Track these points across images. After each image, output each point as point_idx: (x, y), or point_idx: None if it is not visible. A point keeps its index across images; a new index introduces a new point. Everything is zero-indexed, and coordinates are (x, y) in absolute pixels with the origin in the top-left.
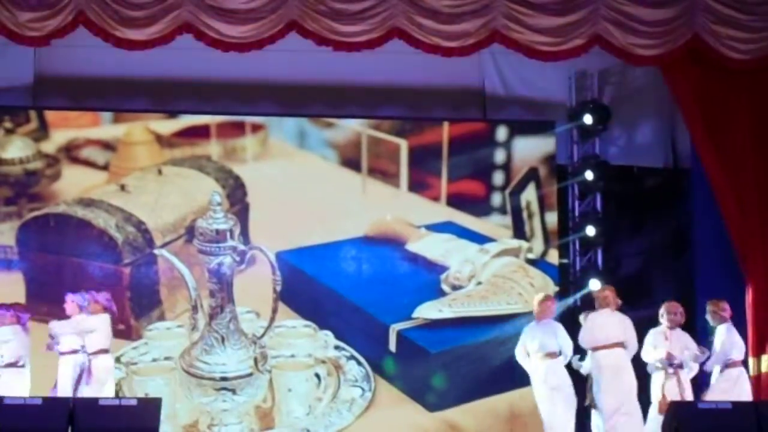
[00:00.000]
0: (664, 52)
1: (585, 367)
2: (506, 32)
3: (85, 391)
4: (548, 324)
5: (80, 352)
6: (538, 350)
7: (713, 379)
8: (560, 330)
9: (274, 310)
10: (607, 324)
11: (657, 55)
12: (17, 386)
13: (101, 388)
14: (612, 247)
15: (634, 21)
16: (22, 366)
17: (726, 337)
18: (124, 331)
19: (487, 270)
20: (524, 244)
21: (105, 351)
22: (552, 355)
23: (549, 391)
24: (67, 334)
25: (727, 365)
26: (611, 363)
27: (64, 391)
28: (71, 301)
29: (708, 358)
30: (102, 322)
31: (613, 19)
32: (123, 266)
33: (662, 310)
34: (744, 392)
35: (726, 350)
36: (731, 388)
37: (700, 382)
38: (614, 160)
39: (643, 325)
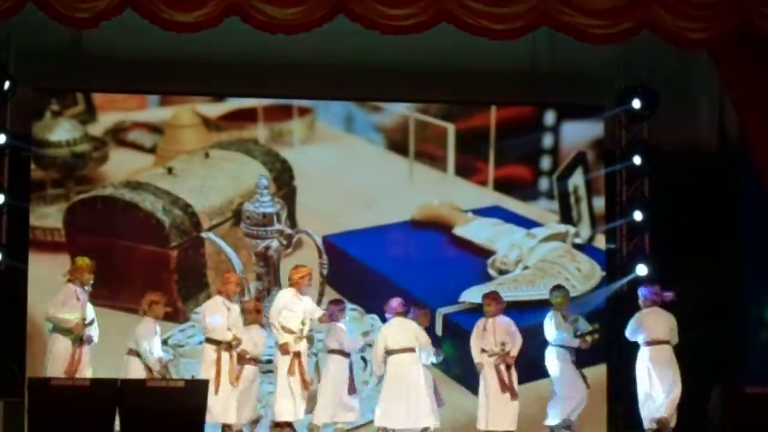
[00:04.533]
0: (713, 36)
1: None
2: (556, 15)
3: None
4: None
5: None
6: None
7: None
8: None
9: (321, 294)
10: None
11: (706, 38)
12: None
13: None
14: (659, 232)
15: (683, 4)
16: None
17: None
18: (171, 314)
19: (534, 255)
20: (571, 229)
21: None
22: None
23: None
24: None
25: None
26: None
27: None
28: None
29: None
30: None
31: (663, 2)
32: (170, 249)
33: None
34: None
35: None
36: None
37: None
38: (662, 144)
39: (688, 310)
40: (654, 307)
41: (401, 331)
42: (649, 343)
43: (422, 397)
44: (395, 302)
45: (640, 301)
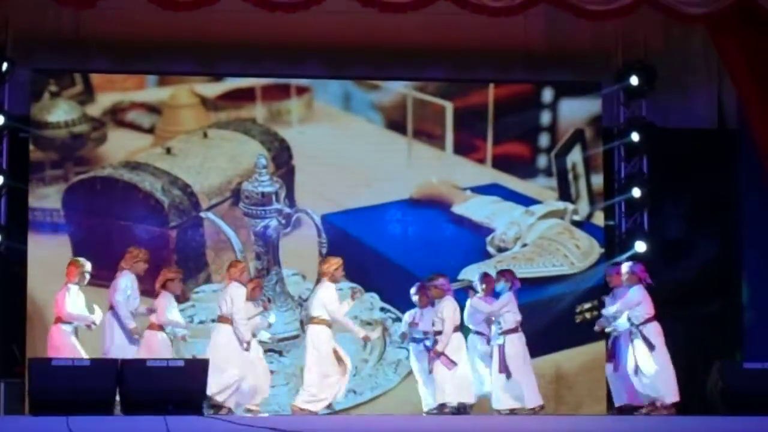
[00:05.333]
0: (712, 11)
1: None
2: None
3: None
4: None
5: None
6: None
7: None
8: None
9: (320, 273)
10: None
11: (705, 13)
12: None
13: None
14: (658, 208)
15: None
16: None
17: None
18: None
19: (532, 232)
20: (570, 206)
21: None
22: None
23: None
24: None
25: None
26: None
27: None
28: None
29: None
30: None
31: None
32: (169, 229)
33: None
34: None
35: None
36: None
37: None
38: (660, 121)
39: (687, 287)
40: (641, 284)
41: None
42: (649, 320)
43: None
44: (447, 280)
45: (627, 277)
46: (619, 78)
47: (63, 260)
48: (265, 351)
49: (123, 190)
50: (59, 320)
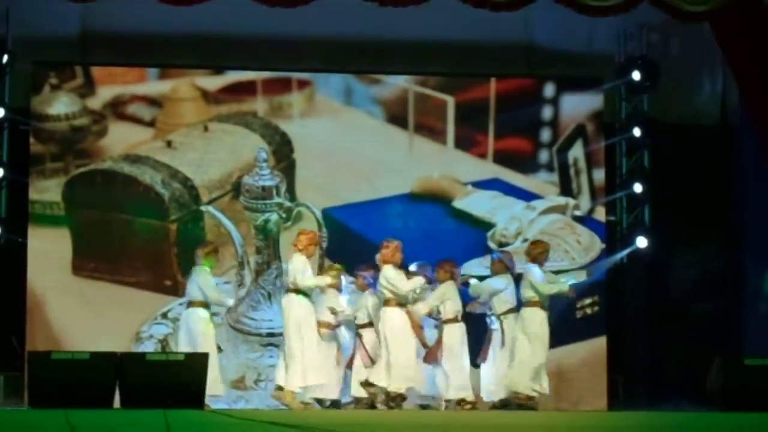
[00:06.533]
0: (713, 8)
1: None
2: None
3: None
4: None
5: None
6: None
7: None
8: None
9: (321, 267)
10: None
11: (706, 10)
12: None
13: None
14: (659, 204)
15: None
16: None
17: None
18: (170, 287)
19: (533, 227)
20: (571, 201)
21: None
22: None
23: None
24: None
25: None
26: None
27: None
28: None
29: None
30: None
31: None
32: (170, 223)
33: None
34: None
35: None
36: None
37: None
38: (662, 116)
39: (688, 282)
40: (509, 273)
41: None
42: (510, 311)
43: None
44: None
45: (496, 266)
46: (621, 73)
47: (63, 253)
48: (265, 345)
49: (123, 183)
50: (201, 305)
